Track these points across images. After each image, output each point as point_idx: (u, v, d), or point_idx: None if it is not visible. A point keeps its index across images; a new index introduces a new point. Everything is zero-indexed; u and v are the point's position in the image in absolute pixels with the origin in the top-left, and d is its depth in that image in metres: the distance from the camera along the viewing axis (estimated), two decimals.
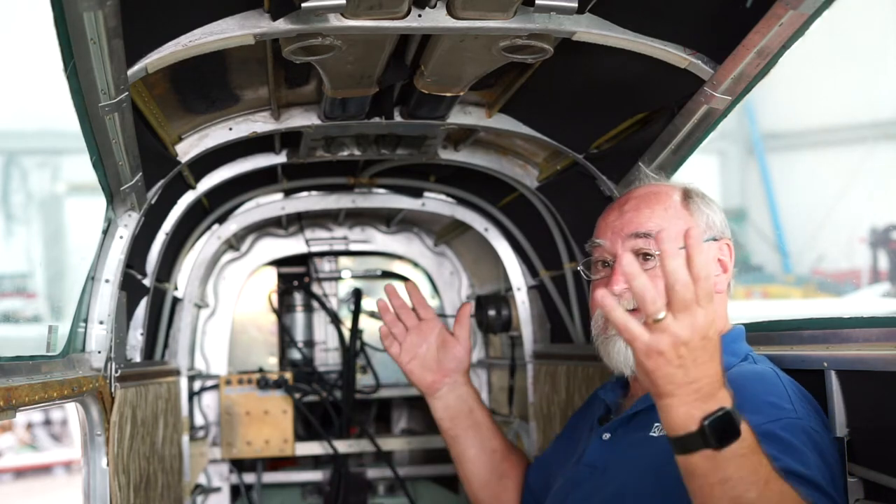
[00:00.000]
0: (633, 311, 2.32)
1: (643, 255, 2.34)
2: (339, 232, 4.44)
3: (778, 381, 2.12)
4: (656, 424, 2.24)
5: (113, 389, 2.63)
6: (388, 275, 4.60)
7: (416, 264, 4.56)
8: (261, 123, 2.90)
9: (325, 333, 4.53)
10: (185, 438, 3.80)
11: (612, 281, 2.36)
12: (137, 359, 3.18)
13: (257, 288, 4.48)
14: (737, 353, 2.26)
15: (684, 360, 1.62)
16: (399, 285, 3.09)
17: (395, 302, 3.01)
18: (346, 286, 4.57)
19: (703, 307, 1.62)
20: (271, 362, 4.49)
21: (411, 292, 3.04)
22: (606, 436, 2.39)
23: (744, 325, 2.42)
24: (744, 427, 1.67)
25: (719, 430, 1.65)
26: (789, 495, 1.69)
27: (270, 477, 4.35)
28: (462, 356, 2.94)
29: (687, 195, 2.40)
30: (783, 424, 1.97)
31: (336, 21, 2.06)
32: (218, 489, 4.17)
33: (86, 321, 2.68)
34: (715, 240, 2.37)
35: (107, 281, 2.71)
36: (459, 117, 2.91)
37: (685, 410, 1.65)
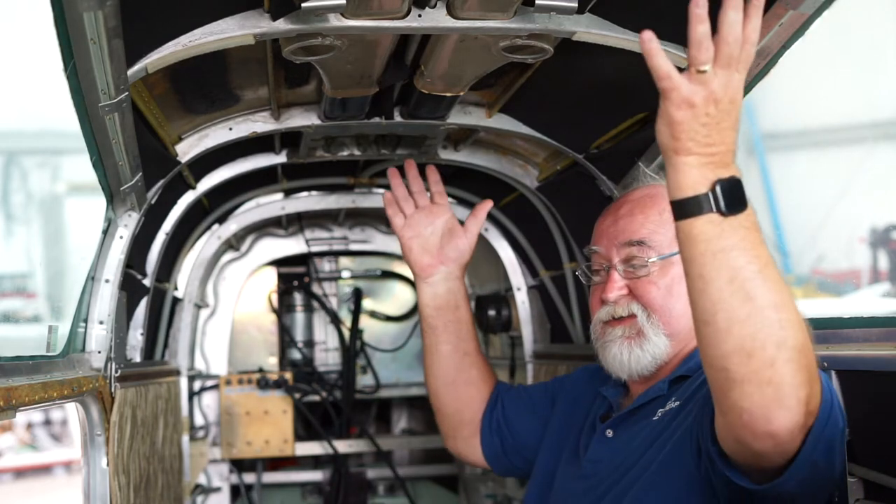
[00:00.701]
0: (619, 320, 2.35)
1: (635, 264, 2.35)
2: (339, 232, 4.44)
3: None
4: (660, 410, 2.26)
5: (113, 389, 2.63)
6: (388, 274, 4.61)
7: None
8: (261, 123, 2.90)
9: (325, 333, 4.53)
10: (185, 438, 3.81)
11: (607, 289, 2.38)
12: (137, 359, 3.18)
13: (257, 288, 4.48)
14: None
15: (710, 119, 1.65)
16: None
17: (411, 172, 2.90)
18: (346, 286, 4.57)
19: (740, 72, 1.65)
20: (271, 362, 4.49)
21: (430, 175, 2.93)
22: (609, 432, 2.40)
23: None
24: (750, 206, 1.69)
25: (729, 196, 1.66)
26: (784, 286, 1.69)
27: (270, 477, 4.36)
28: (465, 248, 2.86)
29: None
30: None
31: (336, 21, 2.06)
32: (218, 489, 4.18)
33: (86, 321, 2.68)
34: None
35: (107, 281, 2.71)
36: (459, 117, 2.91)
37: (699, 172, 1.67)
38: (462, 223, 2.88)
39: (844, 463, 2.03)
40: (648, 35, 1.63)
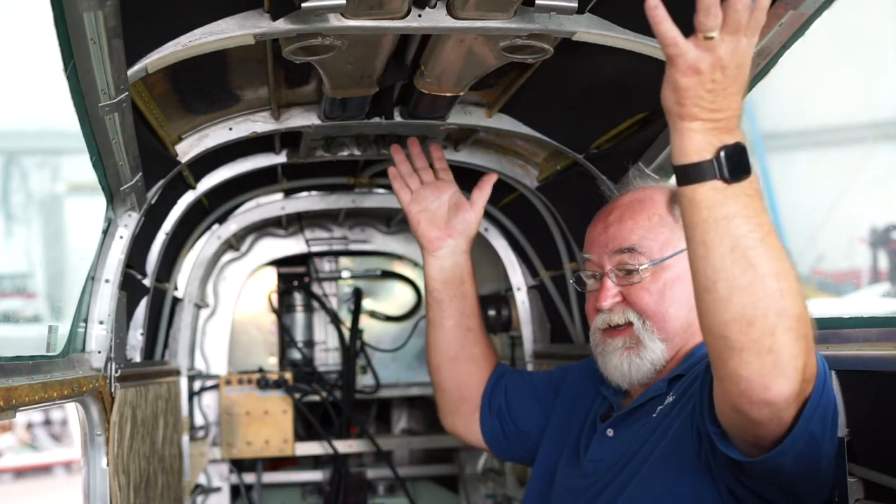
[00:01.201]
0: (618, 330, 2.35)
1: (626, 271, 2.35)
2: (339, 232, 4.44)
3: None
4: (658, 407, 2.27)
5: (113, 389, 2.63)
6: (388, 274, 4.61)
7: (416, 264, 4.56)
8: (261, 123, 2.90)
9: (325, 333, 4.53)
10: (185, 438, 3.81)
11: (601, 297, 2.38)
12: (137, 359, 3.18)
13: (257, 288, 4.48)
14: None
15: (717, 85, 1.63)
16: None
17: (414, 150, 2.93)
18: (346, 286, 4.58)
19: (748, 38, 1.62)
20: (271, 362, 4.49)
21: (434, 152, 2.96)
22: (610, 432, 2.40)
23: None
24: (753, 173, 1.68)
25: (733, 162, 1.65)
26: (785, 255, 1.69)
27: (270, 477, 4.36)
28: (472, 221, 2.89)
29: (674, 199, 2.38)
30: None
31: (336, 21, 2.06)
32: (218, 489, 4.18)
33: (86, 321, 2.68)
34: None
35: (107, 281, 2.71)
36: (459, 117, 2.91)
37: (703, 137, 1.66)
38: (468, 197, 2.92)
39: (844, 456, 2.04)
40: (654, 2, 1.60)
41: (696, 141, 1.67)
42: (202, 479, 4.10)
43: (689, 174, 1.68)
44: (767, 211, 1.69)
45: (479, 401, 2.90)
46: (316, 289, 4.52)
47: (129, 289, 2.98)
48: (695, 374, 2.19)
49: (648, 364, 2.33)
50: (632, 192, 2.47)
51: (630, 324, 2.35)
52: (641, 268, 2.33)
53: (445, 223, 2.89)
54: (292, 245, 4.41)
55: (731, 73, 1.63)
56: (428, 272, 2.90)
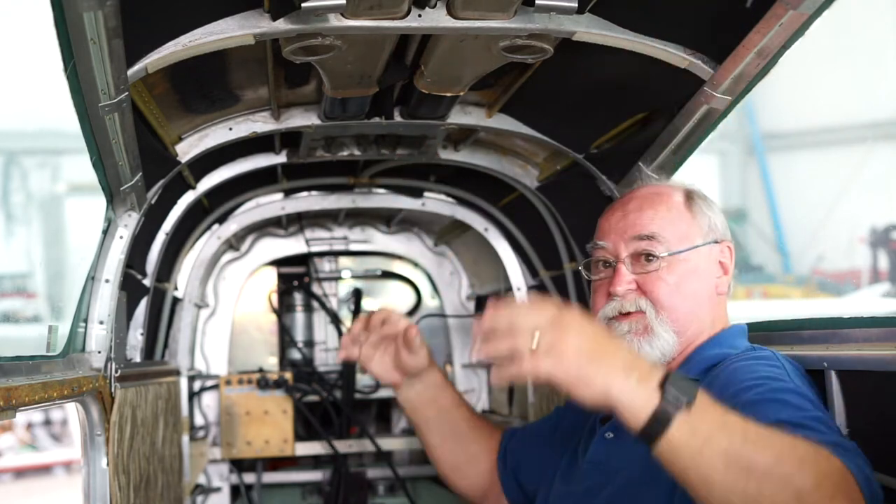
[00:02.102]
0: (625, 315, 2.35)
1: (646, 257, 2.34)
2: (339, 232, 4.44)
3: (776, 360, 2.13)
4: None
5: (113, 389, 2.63)
6: (388, 274, 4.61)
7: (416, 264, 4.57)
8: (261, 123, 2.90)
9: (325, 333, 4.53)
10: (185, 438, 3.80)
11: (615, 282, 2.35)
12: (137, 359, 3.18)
13: (257, 288, 4.48)
14: (737, 348, 2.27)
15: (580, 368, 1.69)
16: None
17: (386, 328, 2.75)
18: (346, 286, 4.58)
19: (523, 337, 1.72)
20: (271, 362, 4.49)
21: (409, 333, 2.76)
22: (609, 434, 2.39)
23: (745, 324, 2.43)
24: (697, 387, 1.68)
25: (680, 387, 1.66)
26: (769, 433, 1.67)
27: (270, 477, 4.35)
28: (422, 362, 2.70)
29: (689, 197, 2.40)
30: (774, 387, 1.98)
31: (336, 21, 2.06)
32: (218, 489, 4.17)
33: (86, 321, 2.68)
34: (716, 242, 2.38)
35: (107, 281, 2.71)
36: (459, 117, 2.91)
37: (638, 388, 1.67)
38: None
39: None
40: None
41: (637, 398, 1.67)
42: (202, 479, 4.10)
43: (658, 423, 1.66)
44: (728, 411, 1.68)
45: (499, 487, 2.81)
46: (316, 289, 4.52)
47: (129, 289, 2.98)
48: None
49: (658, 353, 2.30)
50: (648, 186, 2.47)
51: (640, 311, 2.33)
52: (662, 255, 2.31)
53: (397, 367, 2.70)
54: (292, 245, 4.41)
55: (573, 363, 1.69)
56: (400, 401, 2.81)
